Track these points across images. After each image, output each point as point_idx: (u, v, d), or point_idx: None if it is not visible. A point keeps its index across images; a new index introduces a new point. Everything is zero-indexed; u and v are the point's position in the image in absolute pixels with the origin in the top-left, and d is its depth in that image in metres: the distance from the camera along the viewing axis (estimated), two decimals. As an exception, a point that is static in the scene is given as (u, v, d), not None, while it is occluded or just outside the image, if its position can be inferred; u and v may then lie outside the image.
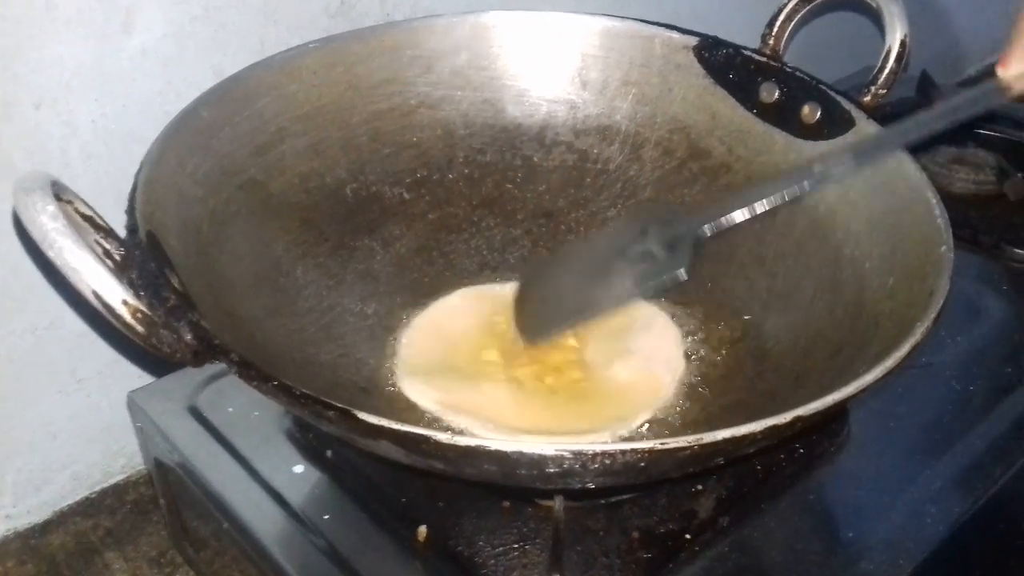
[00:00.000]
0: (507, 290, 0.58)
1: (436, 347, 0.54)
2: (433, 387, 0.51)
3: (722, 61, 0.59)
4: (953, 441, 0.52)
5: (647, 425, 0.51)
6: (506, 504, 0.48)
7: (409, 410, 0.51)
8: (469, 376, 0.52)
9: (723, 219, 0.49)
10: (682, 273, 0.49)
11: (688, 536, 0.46)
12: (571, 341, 0.55)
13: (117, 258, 0.40)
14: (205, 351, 0.37)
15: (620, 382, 0.53)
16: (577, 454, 0.32)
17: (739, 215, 0.49)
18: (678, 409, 0.51)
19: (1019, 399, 0.55)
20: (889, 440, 0.52)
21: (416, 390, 0.52)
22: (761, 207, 0.48)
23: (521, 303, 0.55)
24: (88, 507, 0.66)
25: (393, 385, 0.52)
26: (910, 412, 0.54)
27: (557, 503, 0.45)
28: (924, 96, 0.85)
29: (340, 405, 0.33)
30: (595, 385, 0.52)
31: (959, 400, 0.55)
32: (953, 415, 0.54)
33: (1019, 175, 0.74)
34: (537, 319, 0.54)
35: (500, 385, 0.52)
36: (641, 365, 0.54)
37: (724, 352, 0.54)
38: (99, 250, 0.39)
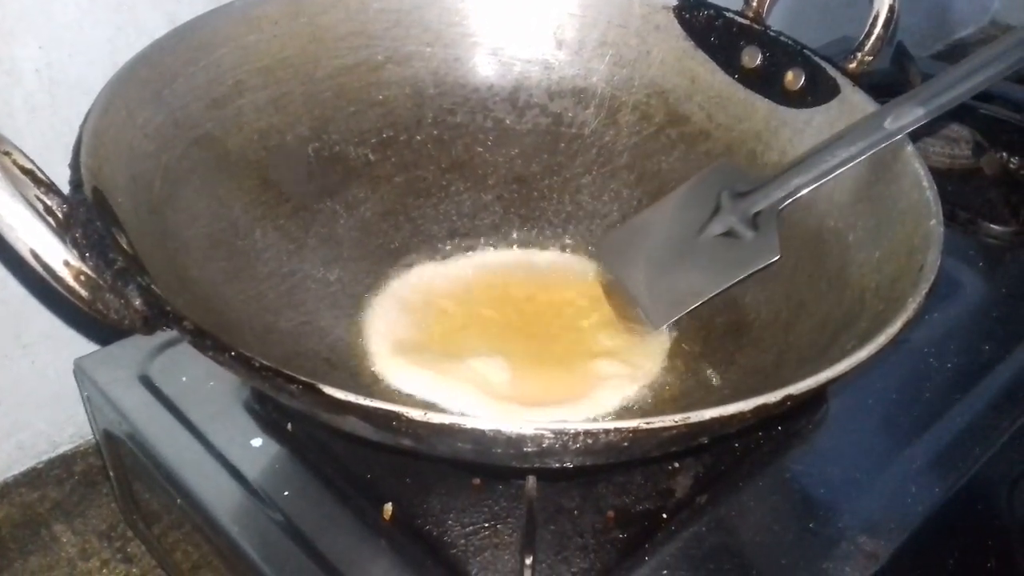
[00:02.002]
0: (473, 262, 0.56)
1: (411, 322, 0.52)
2: (417, 365, 0.49)
3: (703, 23, 0.57)
4: (933, 420, 0.51)
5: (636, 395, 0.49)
6: (477, 481, 0.46)
7: (376, 383, 0.49)
8: (454, 353, 0.50)
9: (801, 189, 0.48)
10: (774, 253, 0.49)
11: (665, 515, 0.45)
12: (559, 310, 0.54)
13: (60, 215, 0.37)
14: (156, 318, 0.35)
15: (609, 349, 0.51)
16: (558, 433, 0.30)
17: (815, 182, 0.48)
18: (653, 385, 0.50)
19: (998, 377, 0.54)
20: (868, 418, 0.51)
21: (400, 370, 0.49)
22: (837, 171, 0.47)
23: (615, 290, 0.54)
24: (34, 478, 0.64)
25: (359, 357, 0.50)
26: (889, 390, 0.53)
27: (530, 481, 0.43)
28: (899, 68, 0.84)
29: (304, 379, 0.31)
30: (586, 353, 0.51)
31: (938, 378, 0.54)
32: (932, 393, 0.53)
33: (995, 150, 0.74)
34: (653, 306, 0.53)
35: (487, 360, 0.50)
36: (627, 331, 0.52)
37: (701, 325, 0.52)
38: (40, 206, 0.36)
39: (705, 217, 0.52)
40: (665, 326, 0.53)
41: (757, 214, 0.50)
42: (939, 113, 0.46)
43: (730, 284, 0.51)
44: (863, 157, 0.47)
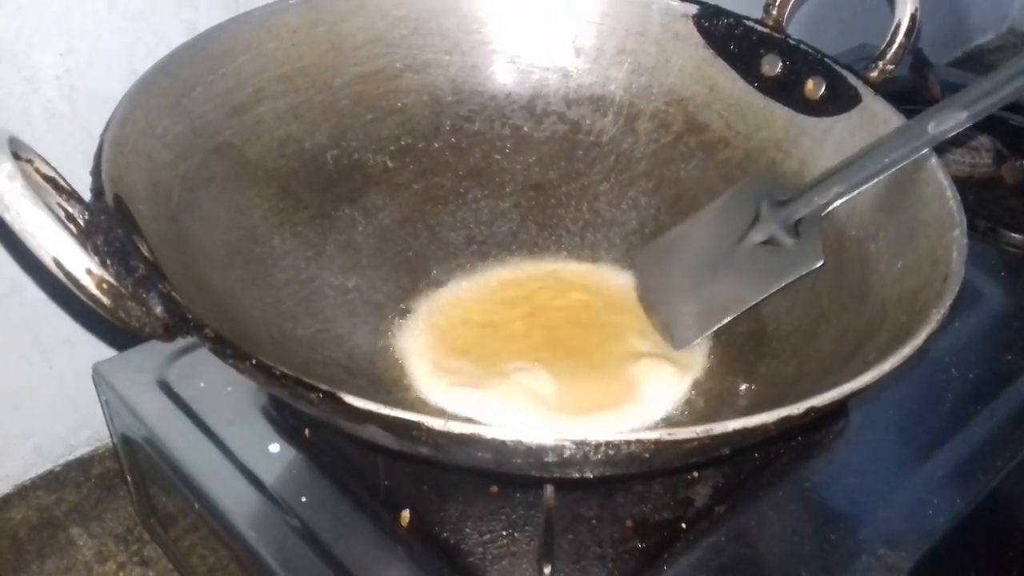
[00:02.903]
0: (495, 272, 0.56)
1: (444, 340, 0.52)
2: (462, 385, 0.49)
3: (723, 31, 0.56)
4: (954, 430, 0.50)
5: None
6: (494, 489, 0.46)
7: (397, 389, 0.49)
8: (494, 369, 0.50)
9: (844, 195, 0.47)
10: (816, 259, 0.48)
11: (683, 525, 0.45)
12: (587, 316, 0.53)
13: (81, 223, 0.37)
14: (177, 325, 0.35)
15: (648, 351, 0.51)
16: (579, 444, 0.30)
17: (858, 187, 0.47)
18: (700, 385, 0.50)
19: (1020, 388, 0.53)
20: (888, 429, 0.51)
21: (446, 391, 0.49)
22: (880, 176, 0.47)
23: (651, 306, 0.53)
24: (51, 481, 0.65)
25: (377, 364, 0.50)
26: (910, 400, 0.52)
27: (548, 490, 0.43)
28: (918, 75, 0.84)
29: (325, 387, 0.31)
30: (626, 357, 0.50)
31: (959, 388, 0.53)
32: (953, 404, 0.52)
33: (1016, 159, 0.73)
34: (681, 323, 0.52)
35: (530, 373, 0.49)
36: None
37: (721, 335, 0.52)
38: (61, 214, 0.37)
39: (744, 228, 0.51)
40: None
41: (799, 221, 0.49)
42: (982, 117, 0.46)
43: (772, 291, 0.50)
44: (906, 162, 0.47)
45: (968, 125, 0.46)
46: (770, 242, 0.50)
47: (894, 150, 0.47)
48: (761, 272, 0.50)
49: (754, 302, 0.50)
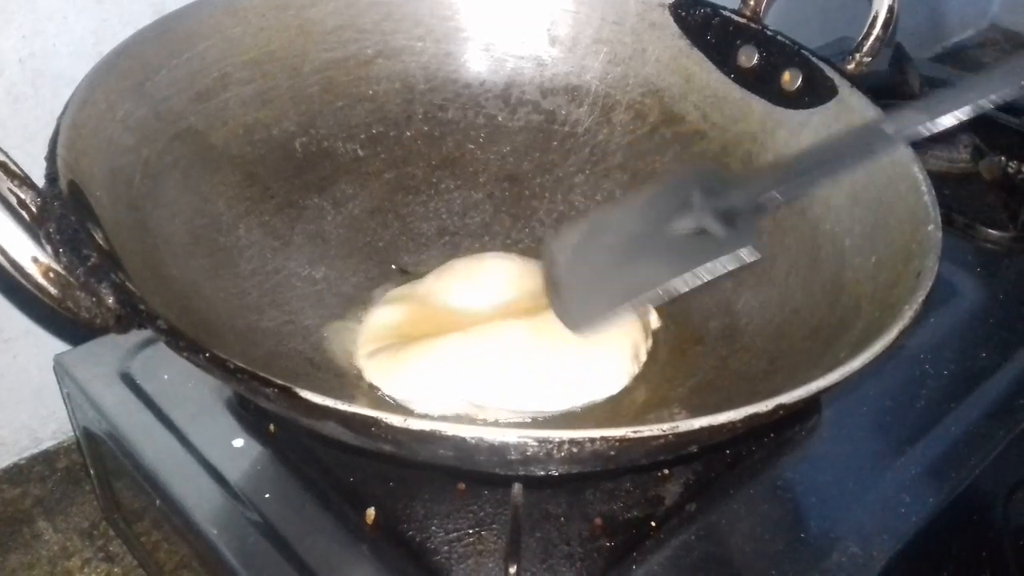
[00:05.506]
0: (464, 265, 0.54)
1: (404, 331, 0.50)
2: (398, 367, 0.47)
3: (699, 21, 0.56)
4: (928, 428, 0.50)
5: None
6: (461, 486, 0.45)
7: (362, 384, 0.48)
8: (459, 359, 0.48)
9: (791, 187, 0.43)
10: (749, 252, 0.43)
11: (653, 523, 0.44)
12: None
13: (33, 209, 0.36)
14: (129, 316, 0.34)
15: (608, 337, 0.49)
16: (542, 441, 0.29)
17: (811, 183, 0.44)
18: (642, 390, 0.49)
19: (995, 385, 0.53)
20: (862, 426, 0.50)
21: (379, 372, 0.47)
22: (838, 172, 0.44)
23: (556, 285, 0.49)
24: (16, 474, 0.64)
25: (344, 358, 0.49)
26: (883, 397, 0.52)
27: (515, 487, 0.42)
28: (899, 70, 0.83)
29: (280, 382, 0.30)
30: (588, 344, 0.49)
31: (934, 385, 0.53)
32: (928, 400, 0.52)
33: (994, 154, 0.73)
34: (579, 304, 0.48)
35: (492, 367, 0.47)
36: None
37: (693, 329, 0.51)
38: (13, 200, 0.36)
39: (672, 216, 0.46)
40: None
41: (735, 212, 0.45)
42: (947, 127, 0.42)
43: (689, 275, 0.45)
44: (858, 163, 0.44)
45: (932, 133, 0.42)
46: (700, 232, 0.45)
47: (851, 150, 0.44)
48: (681, 258, 0.45)
49: (665, 285, 0.45)
